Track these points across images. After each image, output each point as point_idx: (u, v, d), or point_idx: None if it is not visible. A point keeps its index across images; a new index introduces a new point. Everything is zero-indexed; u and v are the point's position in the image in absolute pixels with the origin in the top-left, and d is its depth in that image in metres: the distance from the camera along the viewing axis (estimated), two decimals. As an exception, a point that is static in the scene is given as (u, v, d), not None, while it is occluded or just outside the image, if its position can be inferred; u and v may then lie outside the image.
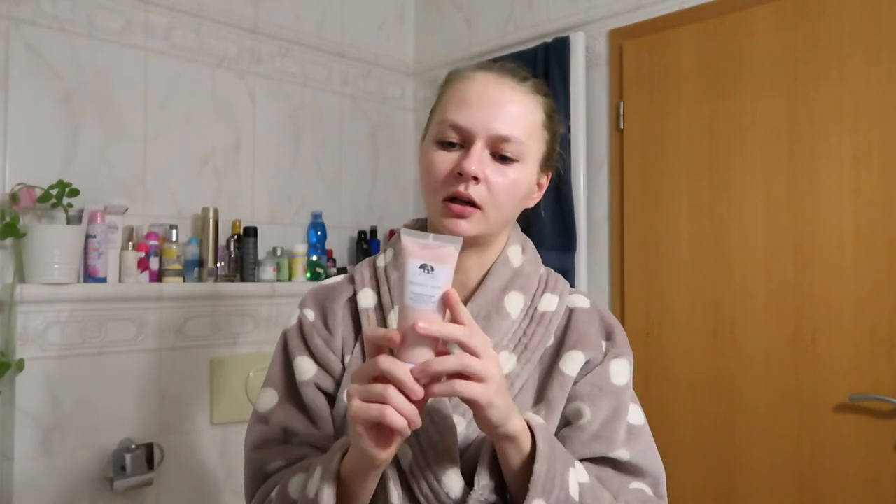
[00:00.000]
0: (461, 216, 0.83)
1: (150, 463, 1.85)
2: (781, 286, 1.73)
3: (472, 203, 0.82)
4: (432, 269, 0.67)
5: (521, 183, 0.85)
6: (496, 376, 0.68)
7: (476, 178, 0.82)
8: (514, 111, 0.84)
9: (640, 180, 2.03)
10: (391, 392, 0.65)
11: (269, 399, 0.91)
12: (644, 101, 2.02)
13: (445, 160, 0.84)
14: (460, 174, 0.82)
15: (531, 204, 0.92)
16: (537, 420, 0.78)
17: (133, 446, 1.83)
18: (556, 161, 0.93)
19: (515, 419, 0.73)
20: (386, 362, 0.67)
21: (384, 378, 0.66)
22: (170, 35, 2.09)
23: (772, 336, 1.74)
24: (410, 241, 0.68)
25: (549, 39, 2.19)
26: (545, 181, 0.92)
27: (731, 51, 1.84)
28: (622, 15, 2.08)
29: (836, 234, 1.66)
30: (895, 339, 1.56)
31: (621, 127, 2.07)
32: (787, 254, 1.73)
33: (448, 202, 0.83)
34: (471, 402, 0.68)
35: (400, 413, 0.65)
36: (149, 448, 1.86)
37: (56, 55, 1.87)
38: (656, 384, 1.92)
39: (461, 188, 0.82)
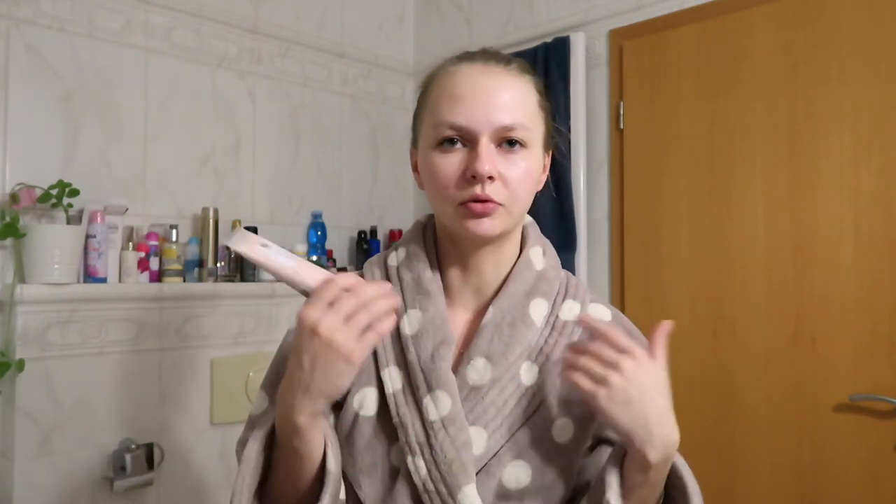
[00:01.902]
0: (484, 214, 0.78)
1: (150, 463, 1.85)
2: (781, 286, 1.73)
3: (490, 201, 0.79)
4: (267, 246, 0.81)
5: (533, 170, 0.82)
6: (611, 381, 0.73)
7: (491, 178, 0.78)
8: (511, 98, 0.80)
9: (640, 180, 2.03)
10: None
11: (260, 404, 0.89)
12: (644, 101, 2.02)
13: (451, 163, 0.79)
14: (473, 177, 0.77)
15: (540, 187, 0.89)
16: (682, 462, 0.80)
17: (133, 446, 1.83)
18: (555, 137, 0.90)
19: (655, 448, 0.72)
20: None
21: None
22: (170, 35, 2.09)
23: (772, 336, 1.74)
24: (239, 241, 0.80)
25: (549, 39, 2.19)
26: (548, 161, 0.89)
27: (731, 51, 1.84)
28: (622, 15, 2.08)
29: (836, 234, 1.66)
30: (895, 339, 1.57)
31: (621, 127, 2.07)
32: (787, 254, 1.73)
33: (466, 204, 0.79)
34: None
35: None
36: (149, 448, 1.86)
37: (56, 55, 1.87)
38: (656, 384, 1.91)
39: (477, 190, 0.78)
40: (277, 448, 0.77)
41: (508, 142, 0.80)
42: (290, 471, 0.76)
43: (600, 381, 0.72)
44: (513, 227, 0.84)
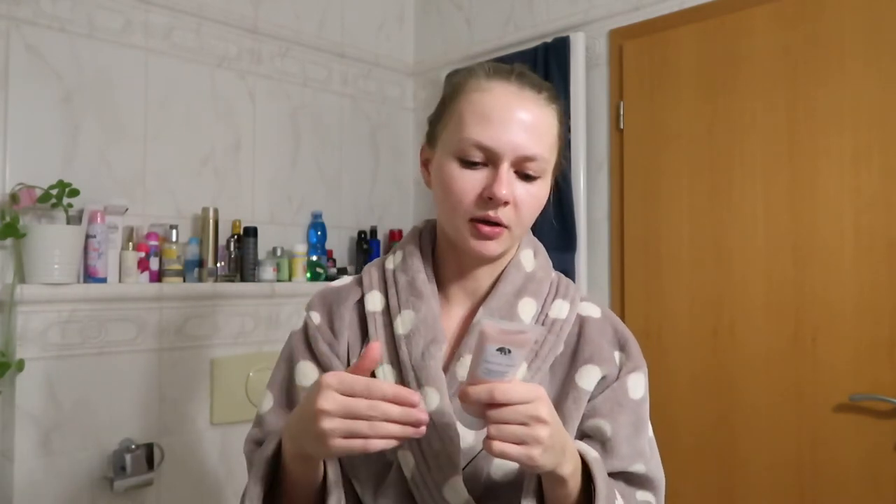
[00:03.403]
0: (490, 237, 0.82)
1: (150, 463, 1.85)
2: (781, 286, 1.73)
3: (499, 224, 0.82)
4: (509, 352, 0.67)
5: (543, 197, 0.86)
6: (541, 437, 0.67)
7: (506, 202, 0.81)
8: (538, 129, 0.82)
9: (640, 180, 2.03)
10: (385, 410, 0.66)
11: (267, 402, 0.93)
12: (644, 101, 2.02)
13: (471, 181, 0.81)
14: (490, 198, 0.80)
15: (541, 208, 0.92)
16: (592, 454, 0.78)
17: (133, 446, 1.83)
18: (563, 165, 0.92)
19: (567, 464, 0.72)
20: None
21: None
22: (170, 35, 2.09)
23: (772, 336, 1.74)
24: (490, 326, 0.69)
25: (549, 39, 2.19)
26: (552, 182, 0.91)
27: (731, 51, 1.84)
28: (622, 15, 2.08)
29: (836, 234, 1.66)
30: (895, 339, 1.56)
31: (621, 127, 2.07)
32: (787, 254, 1.73)
33: (476, 222, 0.82)
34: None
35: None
36: (149, 448, 1.86)
37: (56, 55, 1.87)
38: (656, 384, 1.90)
39: (491, 213, 0.81)
40: (283, 464, 0.80)
41: (527, 172, 0.82)
42: (295, 484, 0.80)
43: (530, 441, 0.67)
44: (514, 245, 0.88)
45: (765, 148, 1.78)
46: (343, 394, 0.67)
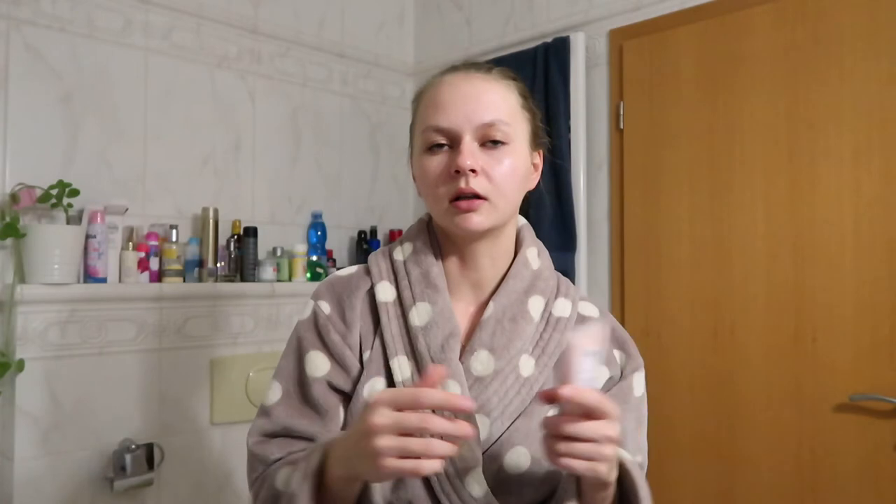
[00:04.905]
0: (470, 210, 0.83)
1: (150, 463, 1.85)
2: (781, 286, 1.73)
3: (476, 196, 0.83)
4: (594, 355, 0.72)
5: (518, 166, 0.86)
6: (609, 456, 0.71)
7: (474, 171, 0.82)
8: (490, 98, 0.85)
9: (640, 180, 2.03)
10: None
11: (275, 393, 0.91)
12: (644, 101, 2.02)
13: (438, 163, 0.85)
14: (457, 172, 0.82)
15: (532, 186, 0.93)
16: (631, 459, 0.82)
17: (133, 446, 1.83)
18: (544, 138, 0.94)
19: (614, 470, 0.75)
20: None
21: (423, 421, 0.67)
22: (170, 35, 2.09)
23: (772, 336, 1.74)
24: (579, 339, 0.72)
25: (549, 39, 2.20)
26: (539, 160, 0.93)
27: (731, 51, 1.84)
28: (622, 15, 2.08)
29: (836, 234, 1.66)
30: (895, 339, 1.56)
31: (621, 127, 2.07)
32: (787, 254, 1.73)
33: (454, 202, 0.83)
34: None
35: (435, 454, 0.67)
36: (149, 448, 1.86)
37: (56, 55, 1.86)
38: (656, 384, 1.90)
39: (462, 185, 0.82)
40: (324, 483, 0.79)
41: (492, 140, 0.84)
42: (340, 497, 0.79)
43: (598, 458, 0.70)
44: (502, 222, 0.88)
45: (765, 148, 1.78)
46: (395, 409, 0.67)
